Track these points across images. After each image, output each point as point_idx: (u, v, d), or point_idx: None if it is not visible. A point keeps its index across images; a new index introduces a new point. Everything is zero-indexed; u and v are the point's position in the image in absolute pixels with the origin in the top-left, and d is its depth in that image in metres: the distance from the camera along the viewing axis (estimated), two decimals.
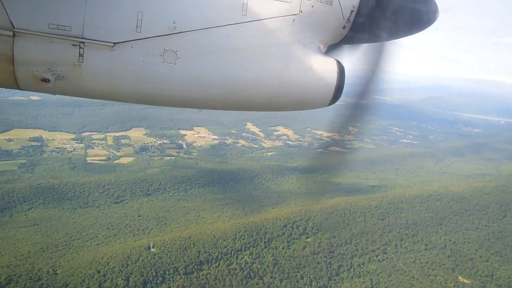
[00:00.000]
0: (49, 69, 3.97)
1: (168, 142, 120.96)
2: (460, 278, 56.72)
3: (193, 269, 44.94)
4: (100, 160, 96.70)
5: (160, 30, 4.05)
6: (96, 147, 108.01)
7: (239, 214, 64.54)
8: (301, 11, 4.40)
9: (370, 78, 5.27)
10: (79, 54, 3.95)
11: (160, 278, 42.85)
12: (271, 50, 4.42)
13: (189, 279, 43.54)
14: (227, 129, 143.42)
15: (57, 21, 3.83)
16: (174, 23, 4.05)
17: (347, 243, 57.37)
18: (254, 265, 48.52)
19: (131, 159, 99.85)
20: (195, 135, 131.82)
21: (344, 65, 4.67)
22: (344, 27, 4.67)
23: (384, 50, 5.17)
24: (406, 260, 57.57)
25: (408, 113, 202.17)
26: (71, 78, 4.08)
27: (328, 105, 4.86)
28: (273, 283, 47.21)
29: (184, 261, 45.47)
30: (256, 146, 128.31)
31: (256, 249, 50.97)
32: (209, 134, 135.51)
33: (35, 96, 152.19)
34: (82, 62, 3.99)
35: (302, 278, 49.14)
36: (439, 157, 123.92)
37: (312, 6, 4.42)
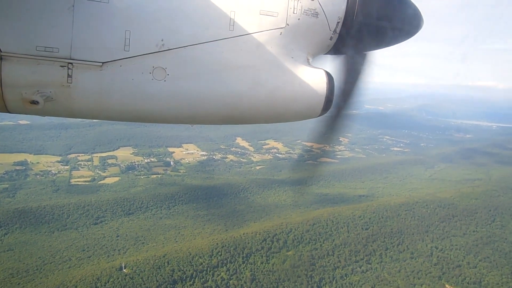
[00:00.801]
0: (37, 91, 3.92)
1: (156, 160, 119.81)
2: (447, 286, 55.29)
3: None
4: (85, 181, 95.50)
5: (149, 48, 4.04)
6: (81, 169, 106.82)
7: (220, 230, 63.23)
8: (288, 24, 4.42)
9: (350, 88, 5.13)
10: (68, 75, 3.92)
11: None
12: (260, 64, 4.43)
13: None
14: (216, 144, 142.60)
15: (44, 43, 3.79)
16: (162, 40, 4.03)
17: (329, 254, 56.00)
18: (230, 281, 47.09)
19: (117, 179, 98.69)
20: (184, 152, 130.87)
21: (332, 76, 4.69)
22: (331, 38, 4.67)
23: (365, 60, 5.14)
24: (391, 269, 56.15)
25: (400, 121, 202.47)
26: (60, 99, 4.04)
27: (319, 116, 4.84)
28: None
29: (157, 281, 44.04)
30: (244, 160, 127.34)
31: (233, 265, 49.57)
32: (197, 150, 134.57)
33: (23, 121, 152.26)
34: (71, 82, 3.95)
35: None
36: (429, 164, 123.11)
37: (299, 19, 4.44)
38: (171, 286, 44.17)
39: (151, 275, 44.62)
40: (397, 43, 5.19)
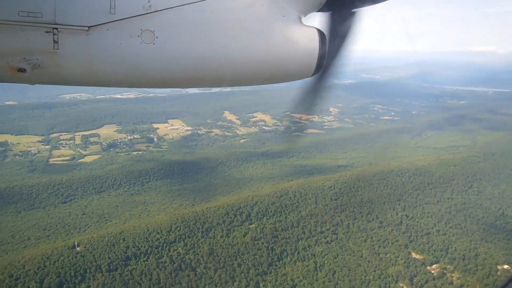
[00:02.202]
0: (24, 58, 3.84)
1: (139, 136, 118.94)
2: (413, 254, 54.68)
3: (118, 266, 43.10)
4: (63, 160, 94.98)
5: (135, 10, 3.91)
6: (63, 148, 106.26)
7: (187, 204, 62.72)
8: None
9: (336, 48, 4.99)
10: (54, 40, 3.82)
11: (80, 278, 41.06)
12: (250, 23, 4.29)
13: (111, 276, 41.71)
14: (203, 119, 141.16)
15: (26, 8, 3.67)
16: (149, 1, 3.89)
17: (293, 226, 55.36)
18: (187, 256, 46.65)
19: (97, 157, 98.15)
20: (168, 128, 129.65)
21: (325, 33, 4.56)
22: None
23: (355, 18, 4.94)
24: (356, 239, 55.52)
25: (394, 90, 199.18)
26: (47, 66, 3.96)
27: (312, 75, 4.73)
28: (207, 273, 45.33)
29: (109, 258, 43.64)
30: (229, 134, 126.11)
31: (191, 240, 49.08)
32: (183, 125, 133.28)
33: (10, 101, 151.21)
34: (57, 49, 3.86)
35: (239, 266, 47.22)
36: (416, 131, 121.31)
37: None
38: (124, 262, 43.77)
39: (103, 252, 44.18)
40: None
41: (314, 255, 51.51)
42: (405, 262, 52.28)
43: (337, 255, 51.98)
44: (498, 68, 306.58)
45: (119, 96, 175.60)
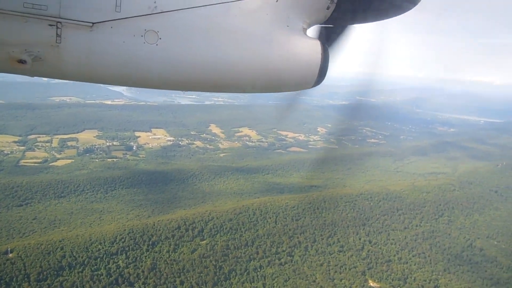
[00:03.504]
0: (25, 50, 3.84)
1: (118, 144, 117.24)
2: (370, 281, 52.53)
3: (48, 276, 40.84)
4: (35, 162, 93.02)
5: (140, 10, 3.90)
6: (38, 150, 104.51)
7: (143, 215, 60.67)
8: None
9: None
10: (57, 34, 3.80)
11: (3, 286, 38.78)
12: (254, 31, 4.28)
13: (38, 286, 39.46)
14: (187, 130, 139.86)
15: (32, 0, 3.67)
16: (154, 2, 3.89)
17: (248, 245, 53.21)
18: (126, 270, 44.40)
19: (70, 161, 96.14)
20: (150, 137, 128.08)
21: (327, 47, 4.60)
22: (328, 8, 4.54)
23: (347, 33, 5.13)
24: (312, 263, 53.38)
25: (386, 113, 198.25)
26: (48, 59, 3.95)
27: (312, 87, 4.78)
28: None
29: (41, 267, 41.41)
30: (211, 147, 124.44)
31: (134, 253, 46.88)
32: (166, 135, 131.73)
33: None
34: (60, 43, 3.85)
35: (182, 283, 44.99)
36: (399, 156, 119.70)
37: None
38: (56, 273, 41.51)
39: (36, 260, 41.96)
40: (395, 15, 4.95)
41: (264, 277, 49.28)
42: None
43: (289, 278, 49.76)
44: (494, 98, 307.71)
45: (109, 102, 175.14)
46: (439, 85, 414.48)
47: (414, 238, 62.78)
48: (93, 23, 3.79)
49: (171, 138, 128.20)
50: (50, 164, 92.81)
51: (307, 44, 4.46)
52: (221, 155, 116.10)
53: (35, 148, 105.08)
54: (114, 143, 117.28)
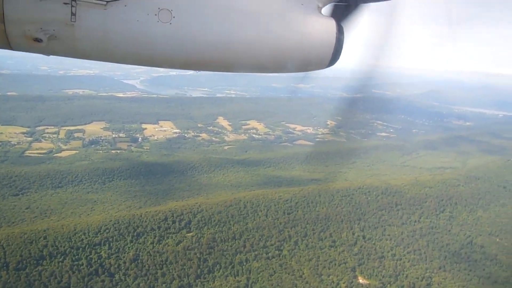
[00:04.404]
0: (41, 28, 3.85)
1: (124, 135, 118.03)
2: (359, 278, 51.14)
3: (27, 265, 41.02)
4: (40, 153, 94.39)
5: None
6: (44, 141, 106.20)
7: (134, 206, 60.63)
8: None
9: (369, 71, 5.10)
10: (71, 13, 3.82)
11: None
12: (268, 10, 4.23)
13: (16, 275, 39.65)
14: (194, 123, 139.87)
15: None
16: None
17: (235, 238, 52.47)
18: (107, 260, 44.29)
19: (74, 152, 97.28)
20: (157, 129, 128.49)
21: (343, 26, 4.52)
22: None
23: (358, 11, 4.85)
24: (301, 258, 52.29)
25: (401, 106, 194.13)
26: (63, 37, 3.98)
27: (327, 67, 4.72)
28: (124, 280, 42.89)
29: (21, 256, 41.61)
30: (217, 139, 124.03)
31: (118, 244, 46.72)
32: (172, 127, 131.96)
33: (12, 92, 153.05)
34: (74, 21, 3.86)
35: (163, 275, 44.61)
36: (407, 150, 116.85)
37: None
38: (36, 262, 41.66)
39: (17, 249, 42.20)
40: None
41: (250, 271, 48.50)
42: (347, 286, 48.75)
43: (274, 273, 48.85)
44: None
45: (121, 95, 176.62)
46: (458, 78, 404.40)
47: (411, 234, 60.89)
48: (107, 2, 3.79)
49: (177, 131, 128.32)
50: (55, 155, 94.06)
51: (322, 23, 4.38)
52: (226, 147, 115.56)
53: (42, 139, 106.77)
54: (120, 135, 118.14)
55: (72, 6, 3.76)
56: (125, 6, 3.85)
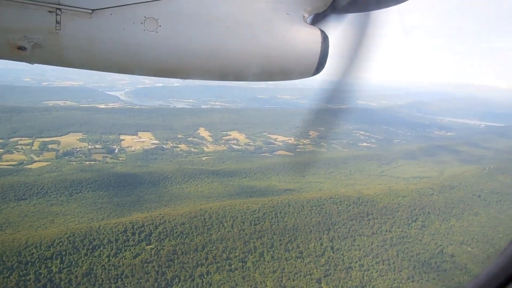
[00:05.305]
0: (25, 36, 3.83)
1: (101, 147, 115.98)
2: None
3: None
4: (9, 165, 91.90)
5: None
6: (17, 152, 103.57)
7: (96, 218, 58.77)
8: None
9: (354, 52, 4.88)
10: (56, 21, 3.80)
11: None
12: (255, 19, 4.28)
13: None
14: (174, 133, 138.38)
15: None
16: None
17: (197, 250, 50.87)
18: (58, 275, 42.37)
19: (45, 164, 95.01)
20: (135, 140, 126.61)
21: (328, 35, 4.55)
22: None
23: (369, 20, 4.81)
24: (265, 269, 50.83)
25: (384, 117, 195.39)
26: (48, 46, 3.96)
27: (312, 75, 4.68)
28: None
29: None
30: (195, 150, 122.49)
31: (71, 257, 44.85)
32: (151, 139, 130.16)
33: None
34: (59, 29, 3.84)
35: None
36: (386, 160, 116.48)
37: None
38: None
39: None
40: (397, 3, 4.70)
41: (210, 284, 46.91)
42: None
43: (236, 285, 47.34)
44: (498, 102, 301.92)
45: (102, 106, 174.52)
46: (443, 90, 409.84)
47: (381, 244, 59.84)
48: (92, 10, 3.76)
49: (156, 142, 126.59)
50: (25, 166, 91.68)
51: (307, 32, 4.40)
52: (204, 158, 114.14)
53: (14, 151, 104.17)
54: (97, 146, 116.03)
55: (57, 14, 3.72)
56: (111, 14, 3.82)
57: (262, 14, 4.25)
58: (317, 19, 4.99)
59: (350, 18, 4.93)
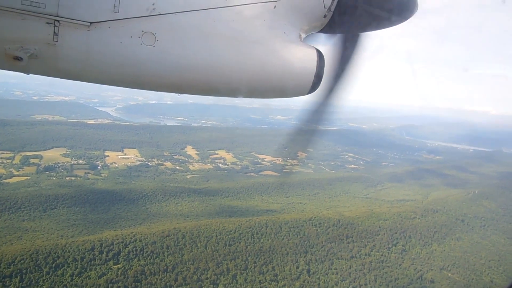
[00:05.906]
0: (21, 47, 3.83)
1: (84, 162, 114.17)
2: None
3: None
4: None
5: (139, 11, 3.92)
6: None
7: (66, 235, 56.90)
8: None
9: (340, 70, 5.02)
10: (54, 32, 3.81)
11: None
12: (251, 36, 4.31)
13: None
14: (161, 151, 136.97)
15: None
16: (153, 4, 3.91)
17: (167, 271, 49.13)
18: None
19: (24, 178, 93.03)
20: (119, 157, 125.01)
21: (323, 55, 4.62)
22: (325, 16, 4.58)
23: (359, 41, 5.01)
24: None
25: (373, 140, 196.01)
26: (45, 57, 3.96)
27: (307, 93, 4.71)
28: None
29: None
30: (181, 168, 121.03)
31: (32, 276, 42.98)
32: (136, 155, 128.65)
33: None
34: (57, 41, 3.85)
35: None
36: (372, 182, 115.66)
37: None
38: None
39: None
40: (391, 25, 4.96)
41: None
42: None
43: None
44: (487, 128, 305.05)
45: (91, 122, 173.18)
46: (434, 114, 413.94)
47: (359, 268, 58.43)
48: (90, 23, 3.77)
49: (141, 158, 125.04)
50: (3, 180, 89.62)
51: (303, 51, 4.44)
52: (188, 176, 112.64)
53: None
54: (80, 161, 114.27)
55: (55, 26, 3.72)
56: (109, 28, 3.83)
57: (259, 32, 4.26)
58: (308, 37, 5.00)
59: (339, 38, 4.97)
